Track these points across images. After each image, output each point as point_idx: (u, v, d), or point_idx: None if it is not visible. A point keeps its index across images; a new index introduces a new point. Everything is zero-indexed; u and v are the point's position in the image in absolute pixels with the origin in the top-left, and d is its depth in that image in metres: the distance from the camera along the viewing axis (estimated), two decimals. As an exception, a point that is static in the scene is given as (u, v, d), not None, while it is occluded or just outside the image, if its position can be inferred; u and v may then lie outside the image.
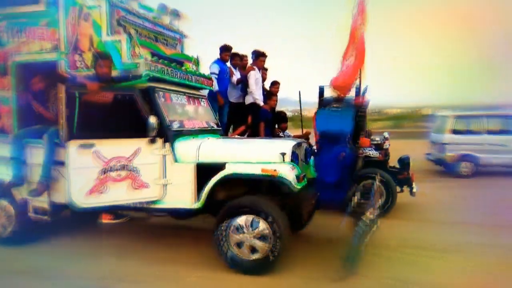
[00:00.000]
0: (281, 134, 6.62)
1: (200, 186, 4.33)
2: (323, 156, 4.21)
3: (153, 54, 4.80)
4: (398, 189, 6.48)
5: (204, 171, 4.32)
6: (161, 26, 5.42)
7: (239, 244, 4.14)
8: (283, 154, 4.20)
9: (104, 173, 4.26)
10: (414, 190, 6.43)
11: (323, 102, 4.68)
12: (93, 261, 4.58)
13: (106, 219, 4.72)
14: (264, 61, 6.98)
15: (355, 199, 4.07)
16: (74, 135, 4.33)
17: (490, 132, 10.08)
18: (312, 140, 5.19)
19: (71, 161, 4.21)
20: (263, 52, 6.90)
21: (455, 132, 10.38)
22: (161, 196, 4.40)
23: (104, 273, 4.27)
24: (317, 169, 4.34)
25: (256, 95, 6.73)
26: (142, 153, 4.34)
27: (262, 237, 4.06)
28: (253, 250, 4.13)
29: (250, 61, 7.15)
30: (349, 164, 4.18)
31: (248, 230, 4.09)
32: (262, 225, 4.05)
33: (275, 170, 4.10)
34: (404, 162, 6.59)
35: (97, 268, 4.39)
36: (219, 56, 6.72)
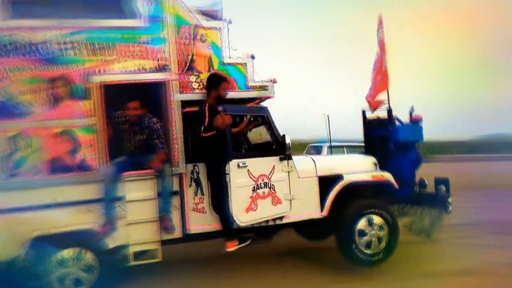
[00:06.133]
0: None
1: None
2: (402, 160, 5.35)
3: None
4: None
5: (321, 184, 4.82)
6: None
7: (364, 242, 4.76)
8: (376, 164, 5.17)
9: (255, 191, 4.27)
10: None
11: (369, 123, 5.85)
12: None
13: (231, 246, 4.36)
14: None
15: (442, 191, 5.31)
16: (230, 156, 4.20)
17: None
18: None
19: (232, 180, 4.13)
20: None
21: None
22: (288, 211, 4.62)
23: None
24: (394, 171, 5.40)
25: None
26: (276, 170, 4.51)
27: (380, 236, 4.82)
28: (369, 246, 4.79)
29: None
30: (419, 165, 5.47)
31: (374, 228, 4.80)
32: (383, 224, 4.83)
33: (382, 176, 5.02)
34: None
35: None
36: None
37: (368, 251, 4.76)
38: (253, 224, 4.39)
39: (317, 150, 13.20)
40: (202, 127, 4.15)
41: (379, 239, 4.80)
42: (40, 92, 3.95)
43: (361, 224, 4.76)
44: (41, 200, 3.88)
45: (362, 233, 4.75)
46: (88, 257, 4.05)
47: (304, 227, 5.26)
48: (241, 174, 4.18)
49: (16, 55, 3.89)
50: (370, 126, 5.87)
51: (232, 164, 4.12)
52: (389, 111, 5.81)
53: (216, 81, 4.30)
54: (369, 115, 5.96)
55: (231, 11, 4.61)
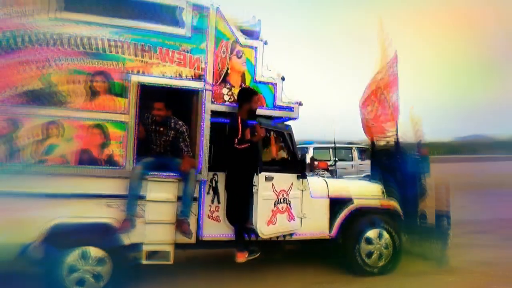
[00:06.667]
0: None
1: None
2: (407, 191, 5.61)
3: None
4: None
5: (332, 205, 5.02)
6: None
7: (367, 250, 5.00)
8: (384, 191, 5.40)
9: (275, 205, 4.42)
10: None
11: (378, 152, 6.13)
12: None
13: (242, 257, 4.44)
14: None
15: (444, 225, 5.54)
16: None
17: (337, 160, 12.84)
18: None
19: (260, 193, 4.26)
20: None
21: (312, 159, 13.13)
22: (299, 228, 4.79)
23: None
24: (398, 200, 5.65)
25: None
26: (293, 187, 4.69)
27: (383, 253, 5.07)
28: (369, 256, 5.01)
29: None
30: (423, 197, 5.73)
31: (381, 242, 5.04)
32: (390, 244, 5.08)
33: (389, 203, 5.25)
34: None
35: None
36: None
37: (366, 260, 4.99)
38: (270, 237, 4.52)
39: (303, 151, 13.38)
40: (236, 139, 4.31)
41: (380, 256, 5.03)
42: (79, 84, 4.06)
43: (371, 233, 5.01)
44: (65, 189, 3.94)
45: (369, 240, 5.00)
46: (102, 252, 4.08)
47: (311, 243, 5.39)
48: (267, 187, 4.35)
49: (62, 46, 4.01)
50: (378, 155, 6.16)
51: (261, 176, 4.28)
52: (397, 142, 6.10)
53: (248, 95, 4.49)
54: (378, 142, 6.25)
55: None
